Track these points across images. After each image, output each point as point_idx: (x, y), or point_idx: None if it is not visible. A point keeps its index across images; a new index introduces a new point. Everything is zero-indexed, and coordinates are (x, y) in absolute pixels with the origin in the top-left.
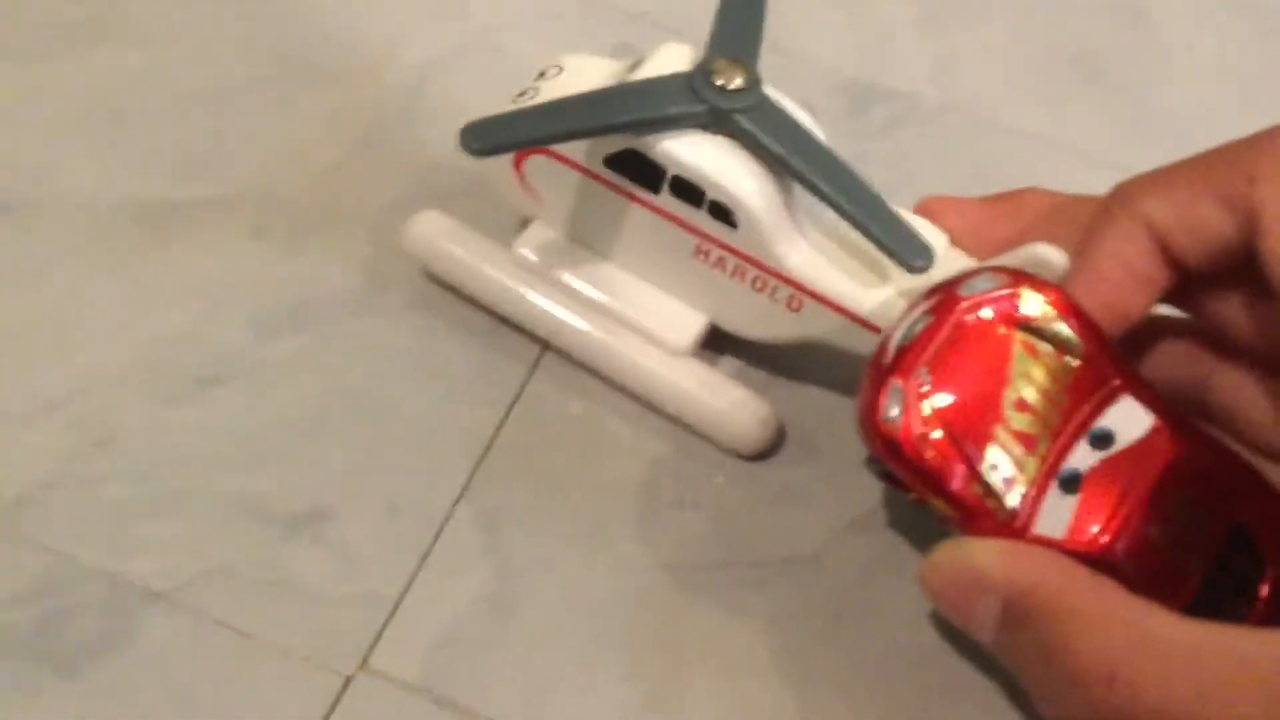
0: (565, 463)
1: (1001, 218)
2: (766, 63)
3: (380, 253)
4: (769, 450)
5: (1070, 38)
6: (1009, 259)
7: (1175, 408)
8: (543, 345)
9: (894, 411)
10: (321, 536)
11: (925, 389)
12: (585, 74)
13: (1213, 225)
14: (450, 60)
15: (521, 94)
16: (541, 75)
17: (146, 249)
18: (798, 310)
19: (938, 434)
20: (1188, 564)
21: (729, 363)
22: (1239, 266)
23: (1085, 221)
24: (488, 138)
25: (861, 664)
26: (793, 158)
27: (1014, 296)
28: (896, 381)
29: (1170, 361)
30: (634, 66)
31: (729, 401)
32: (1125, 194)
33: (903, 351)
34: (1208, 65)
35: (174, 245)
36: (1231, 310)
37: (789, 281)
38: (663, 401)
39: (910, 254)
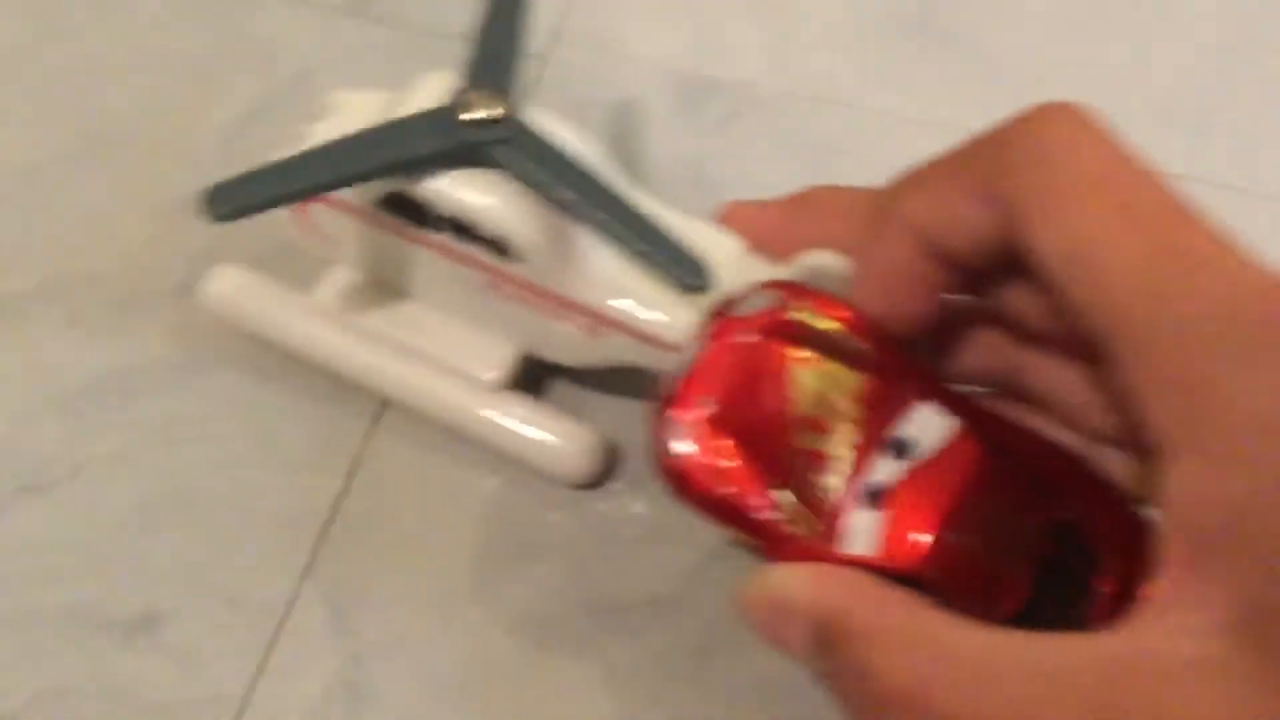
0: (409, 526)
1: (798, 220)
2: (592, 61)
3: (199, 327)
4: (599, 478)
5: (906, 1)
6: (788, 271)
7: (985, 405)
8: (379, 403)
9: (677, 446)
10: (159, 640)
11: (706, 418)
12: (354, 114)
13: (975, 221)
14: (262, 112)
15: (289, 142)
16: (313, 119)
17: None
18: (598, 336)
19: (724, 464)
20: (1012, 570)
21: (562, 388)
22: (1015, 258)
23: (870, 213)
24: (231, 201)
25: (733, 701)
26: (551, 187)
27: (788, 310)
28: (675, 414)
29: (981, 352)
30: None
31: (552, 433)
32: (891, 197)
33: (680, 381)
34: (1048, 12)
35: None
36: (1021, 301)
37: (581, 309)
38: (485, 438)
39: (682, 274)
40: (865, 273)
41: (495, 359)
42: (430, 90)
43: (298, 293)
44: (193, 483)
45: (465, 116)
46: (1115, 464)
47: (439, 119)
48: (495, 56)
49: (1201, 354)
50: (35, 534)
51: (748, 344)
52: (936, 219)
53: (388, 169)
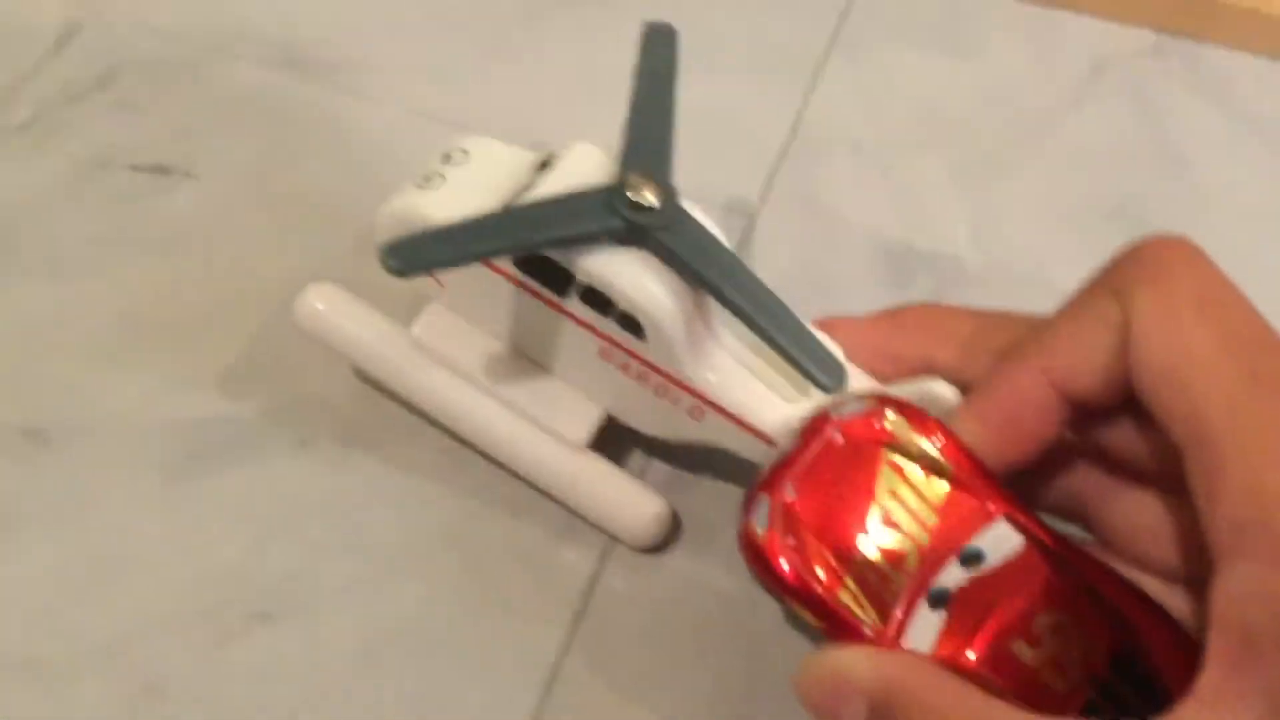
0: (639, 683)
1: (889, 332)
2: (805, 225)
3: (431, 463)
4: (662, 544)
5: (1108, 187)
6: (900, 390)
7: (1057, 532)
8: (603, 547)
9: (760, 525)
10: None
11: (790, 503)
12: (493, 163)
13: (1097, 353)
14: None
15: (426, 178)
16: (447, 159)
17: (189, 473)
18: (699, 419)
19: (801, 547)
20: (1065, 685)
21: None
22: (1125, 394)
23: (964, 334)
24: (411, 259)
25: None
26: (709, 274)
27: (881, 419)
28: (763, 495)
29: (1072, 480)
30: (544, 163)
31: (624, 494)
32: (1030, 334)
33: (773, 469)
34: (1249, 205)
35: (216, 466)
36: (1124, 437)
37: (693, 393)
38: (558, 492)
39: (823, 372)
40: (988, 407)
41: (582, 418)
42: (582, 163)
43: (389, 320)
44: (416, 621)
45: (633, 198)
46: (1181, 603)
47: (608, 199)
48: (651, 141)
49: (1273, 472)
50: (268, 664)
51: (839, 443)
52: (1068, 360)
53: (557, 243)
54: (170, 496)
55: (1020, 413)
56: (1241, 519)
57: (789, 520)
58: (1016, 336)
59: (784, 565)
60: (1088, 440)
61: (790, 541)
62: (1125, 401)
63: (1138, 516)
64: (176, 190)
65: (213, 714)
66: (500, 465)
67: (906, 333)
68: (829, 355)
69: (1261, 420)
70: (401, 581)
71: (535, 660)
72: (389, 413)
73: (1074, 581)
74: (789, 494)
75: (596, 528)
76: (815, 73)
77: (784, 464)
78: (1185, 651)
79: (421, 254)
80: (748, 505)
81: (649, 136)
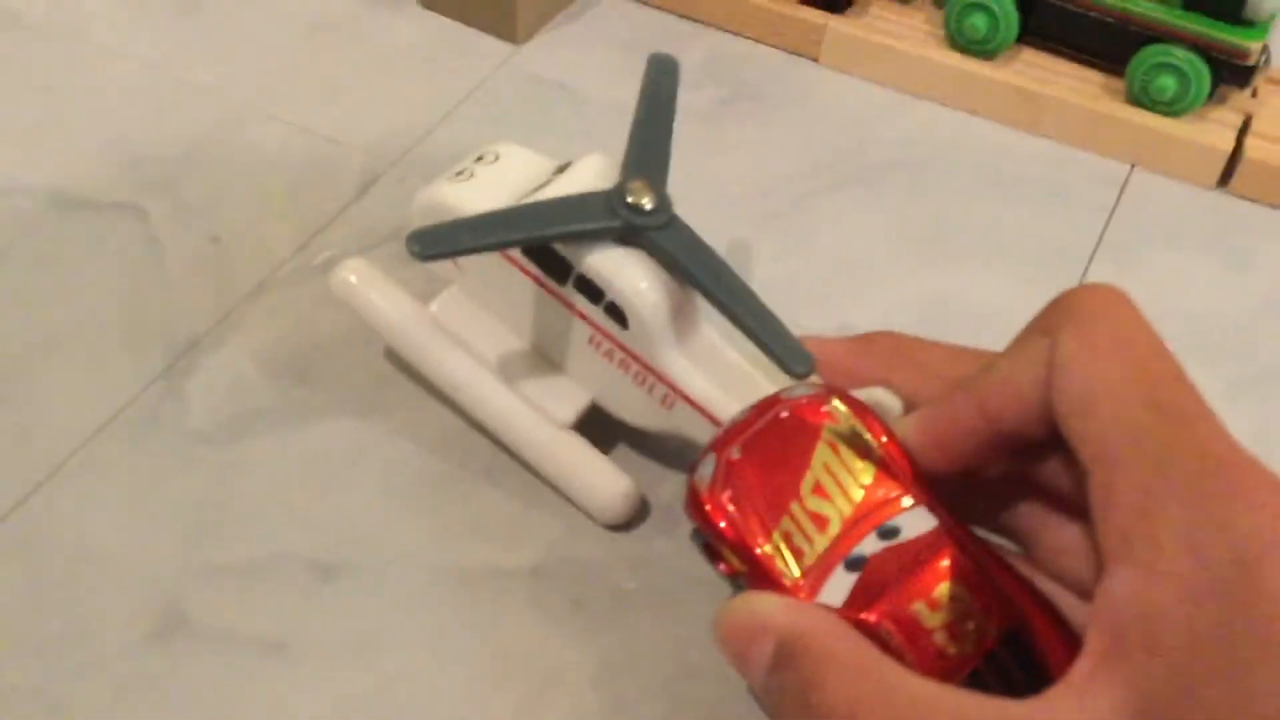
0: None
1: (855, 355)
2: None
3: (705, 635)
4: (630, 523)
5: None
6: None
7: (966, 526)
8: None
9: (705, 476)
10: None
11: (734, 461)
12: (518, 166)
13: (1025, 388)
14: None
15: (459, 173)
16: (479, 159)
17: (470, 621)
18: (669, 408)
19: (739, 498)
20: (957, 652)
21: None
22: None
23: (926, 363)
24: (432, 246)
25: None
26: (693, 269)
27: (827, 403)
28: (711, 453)
29: (1004, 511)
30: (561, 169)
31: (596, 471)
32: (978, 370)
33: (723, 432)
34: None
35: (495, 617)
36: (1051, 469)
37: (665, 381)
38: (538, 464)
39: (792, 360)
40: (926, 424)
41: (569, 401)
42: (590, 170)
43: (413, 299)
44: None
45: (630, 200)
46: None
47: (608, 200)
48: (650, 153)
49: (1162, 490)
50: None
51: (785, 417)
52: (999, 395)
53: (561, 237)
54: (446, 644)
55: (951, 435)
56: (1129, 530)
57: (730, 476)
58: (973, 369)
59: (719, 513)
60: (1023, 471)
61: (729, 494)
62: (1054, 436)
63: (1061, 539)
64: None
65: None
66: (492, 437)
67: (873, 355)
68: (799, 346)
69: (1157, 444)
70: None
71: None
72: (663, 578)
73: (976, 565)
74: (734, 454)
75: (570, 501)
76: (1082, 272)
77: (733, 429)
78: (1068, 644)
79: (441, 242)
80: (697, 461)
81: (649, 149)
